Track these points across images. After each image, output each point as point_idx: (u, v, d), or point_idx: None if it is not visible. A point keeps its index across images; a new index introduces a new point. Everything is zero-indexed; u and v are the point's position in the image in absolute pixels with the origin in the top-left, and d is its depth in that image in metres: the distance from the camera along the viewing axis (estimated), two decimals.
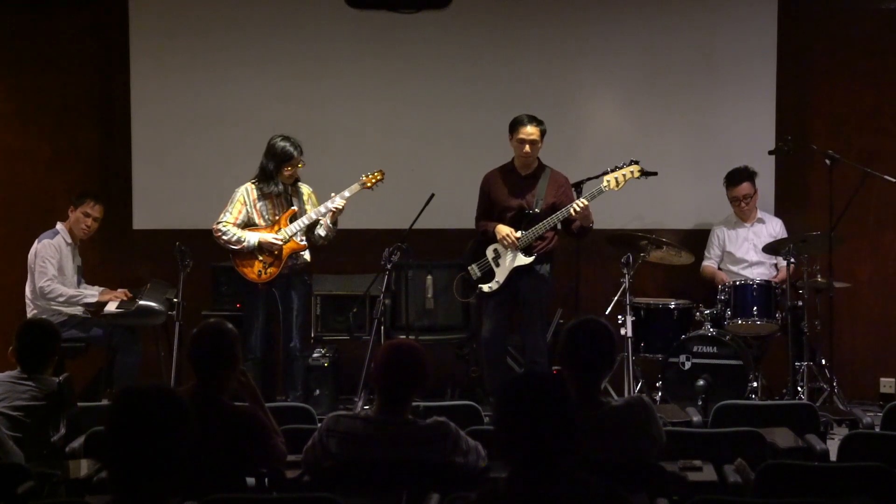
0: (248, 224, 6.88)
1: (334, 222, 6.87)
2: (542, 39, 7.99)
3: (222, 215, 6.85)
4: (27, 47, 8.22)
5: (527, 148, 6.78)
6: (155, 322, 7.19)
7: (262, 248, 6.81)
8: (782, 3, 7.89)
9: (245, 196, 6.86)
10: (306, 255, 6.97)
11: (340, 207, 6.78)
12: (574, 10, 8.00)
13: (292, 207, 6.88)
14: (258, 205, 6.86)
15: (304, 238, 6.91)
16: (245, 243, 6.81)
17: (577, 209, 6.63)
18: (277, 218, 6.85)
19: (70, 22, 8.20)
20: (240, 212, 6.85)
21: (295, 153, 6.79)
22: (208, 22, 8.10)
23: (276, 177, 6.81)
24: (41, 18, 8.20)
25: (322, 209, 6.82)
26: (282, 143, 6.80)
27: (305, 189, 6.99)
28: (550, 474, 2.76)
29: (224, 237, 6.84)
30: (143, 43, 8.09)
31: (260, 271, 6.86)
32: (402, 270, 7.15)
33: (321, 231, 6.89)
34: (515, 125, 6.81)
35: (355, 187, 6.83)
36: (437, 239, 7.74)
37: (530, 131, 6.75)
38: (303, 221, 6.84)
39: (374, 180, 6.89)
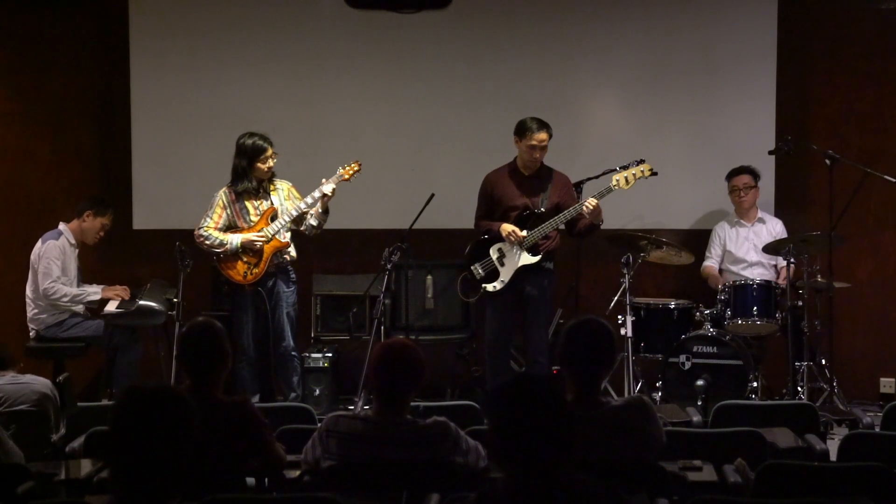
0: (229, 227, 6.86)
1: (325, 209, 6.82)
2: (542, 39, 7.98)
3: (203, 220, 6.84)
4: (27, 48, 8.21)
5: (537, 154, 6.76)
6: (155, 322, 7.19)
7: (245, 248, 6.80)
8: (782, 3, 7.88)
9: (224, 199, 6.85)
10: (292, 252, 6.94)
11: (332, 192, 6.72)
12: (574, 10, 8.00)
13: (272, 206, 6.86)
14: (237, 206, 6.84)
15: (287, 235, 6.89)
16: (228, 245, 6.79)
17: (589, 208, 6.61)
18: (257, 219, 6.82)
19: (70, 22, 8.19)
20: (220, 216, 6.84)
21: (266, 145, 6.78)
22: (208, 22, 8.09)
23: (250, 173, 6.78)
24: (41, 19, 8.20)
25: (310, 199, 6.78)
26: (251, 140, 6.79)
27: (284, 185, 6.96)
28: (547, 476, 2.76)
29: (207, 242, 6.83)
30: (143, 43, 8.09)
31: (245, 272, 6.84)
32: (402, 270, 7.15)
33: (312, 221, 6.85)
34: (525, 130, 6.74)
35: (335, 179, 6.78)
36: (437, 239, 7.73)
37: (542, 137, 6.71)
38: (284, 218, 6.82)
39: (351, 171, 6.86)
